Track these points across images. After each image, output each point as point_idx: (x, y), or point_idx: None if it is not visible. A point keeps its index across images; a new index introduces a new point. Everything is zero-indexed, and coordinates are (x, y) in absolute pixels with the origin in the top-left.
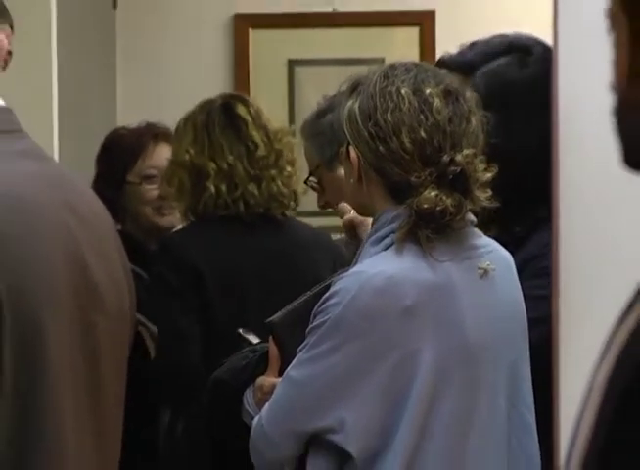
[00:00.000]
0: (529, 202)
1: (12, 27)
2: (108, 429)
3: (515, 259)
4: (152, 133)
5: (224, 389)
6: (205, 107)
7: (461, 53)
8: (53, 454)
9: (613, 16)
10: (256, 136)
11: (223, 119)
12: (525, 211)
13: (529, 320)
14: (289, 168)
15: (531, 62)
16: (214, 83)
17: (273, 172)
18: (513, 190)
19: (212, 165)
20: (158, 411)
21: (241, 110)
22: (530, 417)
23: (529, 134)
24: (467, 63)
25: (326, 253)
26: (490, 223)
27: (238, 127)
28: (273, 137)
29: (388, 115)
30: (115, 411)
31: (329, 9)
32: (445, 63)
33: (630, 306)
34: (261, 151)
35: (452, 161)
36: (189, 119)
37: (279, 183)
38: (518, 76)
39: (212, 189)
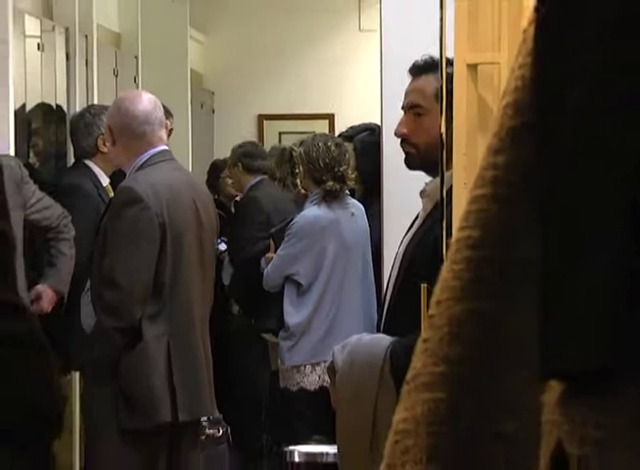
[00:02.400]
0: (374, 191)
1: (172, 117)
2: (207, 282)
3: (369, 212)
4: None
5: (252, 259)
6: (284, 148)
7: (347, 131)
8: (186, 287)
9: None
10: (296, 168)
11: (287, 156)
12: (373, 195)
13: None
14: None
15: (376, 134)
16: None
17: (296, 181)
18: (370, 185)
19: (277, 174)
20: None
21: (293, 155)
22: (371, 277)
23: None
24: (351, 135)
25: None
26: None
27: (291, 162)
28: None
29: (313, 154)
30: (210, 271)
31: (297, 112)
32: (341, 135)
33: (413, 222)
34: (299, 176)
35: (338, 170)
36: (275, 152)
37: (298, 185)
38: (371, 140)
39: (275, 183)
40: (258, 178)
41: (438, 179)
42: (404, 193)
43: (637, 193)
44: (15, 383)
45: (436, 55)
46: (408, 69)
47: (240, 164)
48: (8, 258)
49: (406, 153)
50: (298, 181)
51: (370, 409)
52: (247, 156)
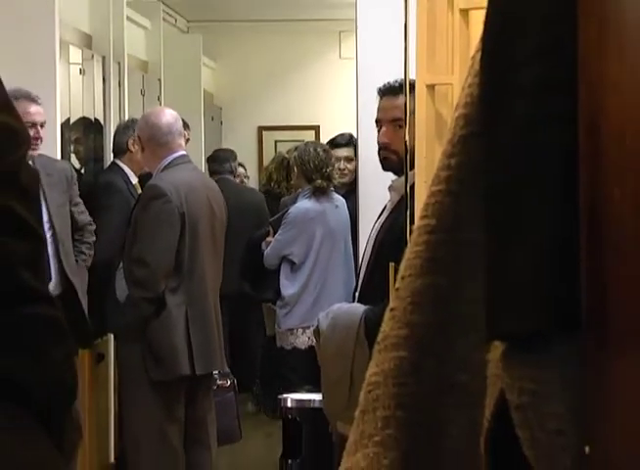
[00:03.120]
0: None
1: (189, 128)
2: (218, 260)
3: (348, 204)
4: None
5: (255, 242)
6: (284, 157)
7: (341, 138)
8: (201, 265)
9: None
10: (290, 175)
11: (285, 165)
12: (353, 191)
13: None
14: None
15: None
16: (251, 152)
17: (289, 184)
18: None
19: (274, 176)
20: None
21: (290, 164)
22: (351, 257)
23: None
24: (347, 141)
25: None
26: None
27: (287, 170)
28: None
29: (306, 157)
30: (221, 252)
31: (290, 124)
32: (336, 143)
33: (382, 211)
34: (292, 175)
35: (325, 171)
36: (277, 159)
37: (289, 186)
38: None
39: (272, 184)
40: (216, 178)
41: (404, 177)
42: (375, 190)
43: (564, 187)
44: (38, 357)
45: (410, 79)
46: (384, 89)
47: (207, 167)
48: (38, 253)
49: (385, 158)
50: (292, 183)
51: (348, 365)
52: (209, 160)
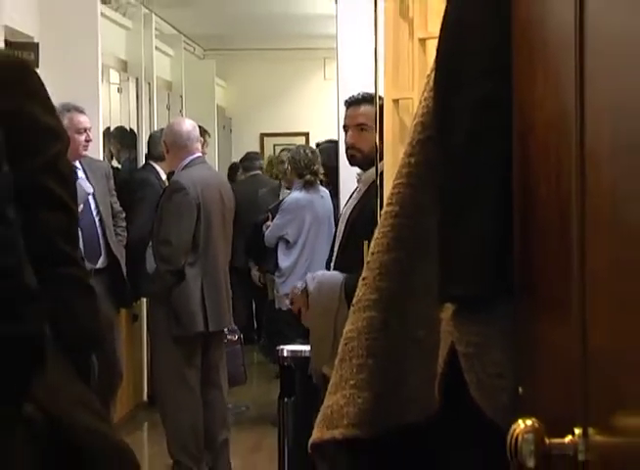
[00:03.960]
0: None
1: (209, 135)
2: (227, 241)
3: (332, 197)
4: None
5: (258, 226)
6: (281, 158)
7: (318, 142)
8: (214, 244)
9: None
10: (284, 168)
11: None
12: (334, 188)
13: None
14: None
15: (334, 143)
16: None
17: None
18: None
19: (275, 172)
20: None
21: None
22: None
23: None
24: (319, 143)
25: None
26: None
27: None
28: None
29: (297, 157)
30: (229, 235)
31: (285, 131)
32: (318, 145)
33: (349, 198)
34: (286, 173)
35: (313, 168)
36: (274, 160)
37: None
38: (335, 148)
39: (265, 176)
40: (249, 174)
41: (370, 170)
42: (352, 184)
43: (504, 189)
44: (67, 308)
45: (372, 92)
46: (349, 101)
47: (240, 166)
48: (71, 225)
49: (352, 155)
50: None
51: (332, 322)
52: (242, 160)
